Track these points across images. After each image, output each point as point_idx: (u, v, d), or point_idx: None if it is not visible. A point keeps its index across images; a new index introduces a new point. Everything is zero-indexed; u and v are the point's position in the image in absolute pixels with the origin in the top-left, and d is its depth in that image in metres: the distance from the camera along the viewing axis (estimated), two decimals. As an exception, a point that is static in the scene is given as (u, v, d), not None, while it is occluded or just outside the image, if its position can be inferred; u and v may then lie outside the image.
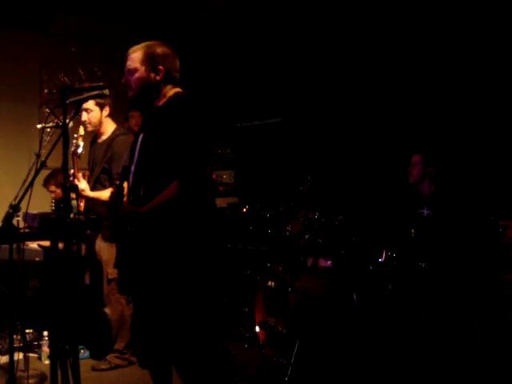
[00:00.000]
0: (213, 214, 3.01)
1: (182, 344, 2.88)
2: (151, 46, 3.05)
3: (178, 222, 2.83)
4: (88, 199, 4.60)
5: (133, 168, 3.01)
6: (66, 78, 7.08)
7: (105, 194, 4.53)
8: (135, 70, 3.00)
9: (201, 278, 2.87)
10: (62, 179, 2.79)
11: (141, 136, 3.03)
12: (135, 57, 3.02)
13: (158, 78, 3.01)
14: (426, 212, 4.70)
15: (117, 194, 2.83)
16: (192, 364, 2.89)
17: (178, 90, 3.08)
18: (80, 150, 4.40)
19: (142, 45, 3.06)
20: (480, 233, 4.33)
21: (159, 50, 3.04)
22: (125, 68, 3.06)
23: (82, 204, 4.67)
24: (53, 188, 5.61)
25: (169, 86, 3.06)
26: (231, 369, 3.19)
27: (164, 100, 3.03)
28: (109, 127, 4.81)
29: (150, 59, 3.00)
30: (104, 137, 4.79)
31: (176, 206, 2.80)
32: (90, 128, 4.75)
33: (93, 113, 4.69)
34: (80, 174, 4.48)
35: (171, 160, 2.82)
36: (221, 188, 6.67)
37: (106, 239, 4.62)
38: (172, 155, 2.82)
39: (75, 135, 4.43)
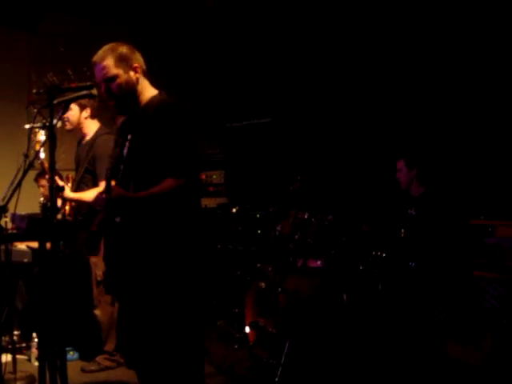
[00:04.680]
0: (200, 214, 3.04)
1: (163, 344, 2.86)
2: (115, 47, 3.01)
3: (167, 220, 2.83)
4: (70, 201, 4.58)
5: (121, 167, 3.00)
6: (54, 78, 7.05)
7: (86, 195, 4.51)
8: (115, 77, 2.95)
9: (188, 277, 2.87)
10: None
11: (129, 136, 3.01)
12: (108, 64, 2.96)
13: (137, 75, 3.00)
14: (414, 213, 4.71)
15: (107, 183, 2.85)
16: (167, 362, 2.89)
17: (156, 90, 3.08)
18: (42, 156, 4.29)
19: (106, 50, 3.00)
20: (461, 234, 4.35)
21: (125, 49, 3.01)
22: (99, 80, 3.00)
23: (66, 207, 4.64)
24: (43, 182, 5.58)
25: (146, 82, 3.06)
26: (202, 369, 3.15)
27: (146, 98, 3.03)
28: (92, 128, 4.78)
29: (123, 60, 2.97)
30: (87, 137, 4.78)
31: (166, 203, 2.81)
32: (68, 126, 4.71)
33: (72, 111, 4.65)
34: (56, 177, 4.44)
35: (163, 161, 2.83)
36: (211, 188, 6.66)
37: (90, 251, 4.59)
38: (164, 156, 2.82)
39: (32, 142, 4.25)
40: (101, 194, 2.92)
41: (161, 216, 2.83)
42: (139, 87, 3.02)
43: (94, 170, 4.61)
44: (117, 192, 2.83)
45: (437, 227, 4.42)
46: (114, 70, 2.95)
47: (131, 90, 2.99)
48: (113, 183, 2.95)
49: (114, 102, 3.02)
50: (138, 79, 3.00)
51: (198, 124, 3.08)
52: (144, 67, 3.06)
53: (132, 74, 2.98)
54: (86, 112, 4.72)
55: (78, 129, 4.78)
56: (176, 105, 2.97)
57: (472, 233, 4.31)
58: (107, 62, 2.96)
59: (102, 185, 4.41)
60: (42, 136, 4.25)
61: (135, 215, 2.86)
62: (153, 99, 3.02)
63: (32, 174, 5.63)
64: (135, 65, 2.99)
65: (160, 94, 3.06)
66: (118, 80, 2.96)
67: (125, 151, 3.01)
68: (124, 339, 3.11)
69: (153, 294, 2.84)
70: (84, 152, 4.72)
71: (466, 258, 4.23)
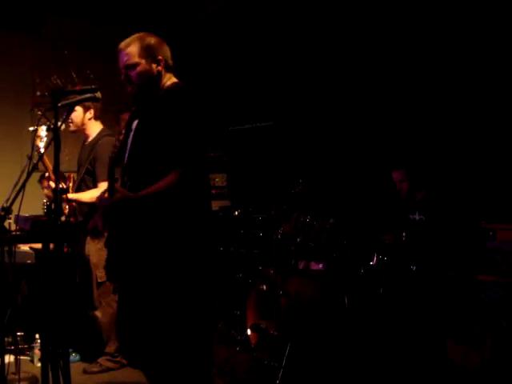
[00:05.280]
0: (207, 209, 3.02)
1: (163, 341, 2.86)
2: (144, 37, 3.02)
3: (173, 213, 2.83)
4: (69, 201, 4.60)
5: (127, 154, 3.01)
6: (58, 81, 7.08)
7: (84, 196, 4.54)
8: (136, 64, 2.97)
9: (191, 273, 2.86)
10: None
11: (135, 123, 3.03)
12: (132, 51, 2.98)
13: (159, 68, 3.01)
14: (417, 217, 4.72)
15: (110, 182, 2.85)
16: (169, 364, 2.88)
17: (174, 80, 3.09)
18: (42, 151, 4.30)
19: (134, 38, 3.02)
20: (466, 236, 4.36)
21: (153, 40, 3.03)
22: (120, 65, 3.02)
23: (66, 207, 4.66)
24: (46, 183, 5.59)
25: (168, 75, 3.07)
26: (210, 372, 3.14)
27: (162, 90, 3.03)
28: (95, 129, 4.80)
29: (148, 51, 2.98)
30: (90, 139, 4.80)
31: (172, 197, 2.80)
32: (72, 128, 4.74)
33: (76, 113, 4.67)
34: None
35: (168, 151, 2.82)
36: (213, 191, 6.67)
37: (94, 234, 4.59)
38: (169, 146, 2.82)
39: (35, 137, 4.28)
40: (103, 193, 2.92)
41: (165, 212, 2.82)
42: (160, 80, 3.02)
43: (94, 171, 4.63)
44: (120, 193, 2.83)
45: (443, 230, 4.42)
46: (136, 59, 2.97)
47: (149, 80, 2.99)
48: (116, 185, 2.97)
49: (130, 88, 3.02)
50: (159, 72, 3.01)
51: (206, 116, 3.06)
52: (169, 61, 3.06)
53: (154, 66, 2.99)
54: (90, 113, 4.75)
55: (81, 130, 4.79)
56: (182, 91, 2.97)
57: (477, 236, 4.32)
58: (131, 49, 2.98)
59: (101, 186, 4.46)
60: (42, 132, 4.28)
61: (139, 214, 2.85)
62: (167, 90, 3.03)
63: (36, 175, 5.65)
64: (159, 57, 3.00)
65: (174, 83, 3.06)
66: (138, 68, 2.97)
67: (130, 138, 3.02)
68: (124, 336, 3.08)
69: (154, 287, 2.83)
70: (86, 153, 4.74)
71: (471, 261, 4.25)
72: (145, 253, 2.84)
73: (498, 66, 4.71)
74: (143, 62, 2.97)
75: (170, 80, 3.07)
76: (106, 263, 3.06)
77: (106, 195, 2.88)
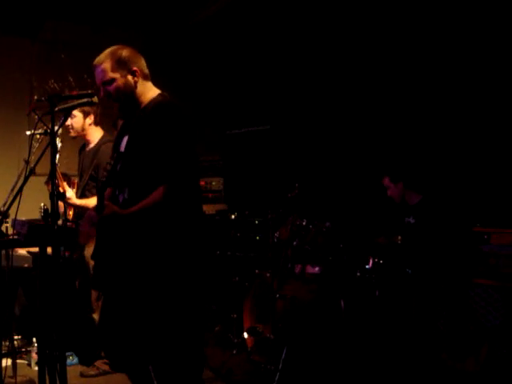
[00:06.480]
0: (199, 220, 3.01)
1: (152, 346, 2.87)
2: (116, 51, 3.02)
3: (162, 227, 2.83)
4: (75, 207, 4.62)
5: (118, 168, 3.02)
6: (55, 85, 7.09)
7: (92, 202, 4.56)
8: (112, 80, 2.98)
9: (181, 282, 2.86)
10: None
11: (126, 138, 3.03)
12: (106, 67, 2.98)
13: (136, 79, 3.01)
14: (412, 221, 4.73)
15: (99, 198, 2.85)
16: (160, 370, 2.89)
17: (156, 90, 3.09)
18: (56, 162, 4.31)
19: (106, 53, 3.03)
20: (463, 240, 4.38)
21: (125, 52, 3.02)
22: (98, 82, 3.03)
23: (70, 212, 4.68)
24: None
25: (147, 84, 3.07)
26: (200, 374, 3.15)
27: (147, 100, 3.03)
28: (96, 135, 4.82)
29: (122, 64, 2.98)
30: (91, 145, 4.81)
31: (161, 211, 2.81)
32: (72, 133, 4.76)
33: (76, 118, 4.70)
34: (64, 183, 4.50)
35: (158, 165, 2.83)
36: (209, 195, 6.69)
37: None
38: (159, 160, 2.83)
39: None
40: (92, 210, 2.92)
41: (156, 226, 2.82)
42: (138, 90, 3.02)
43: (97, 177, 4.65)
44: (109, 209, 2.83)
45: (439, 234, 4.43)
46: (111, 74, 2.97)
47: (129, 93, 3.00)
48: (107, 192, 2.97)
49: (115, 104, 3.04)
50: (136, 82, 3.00)
51: (198, 130, 3.07)
52: (145, 70, 3.06)
53: (130, 77, 2.99)
54: (90, 119, 4.76)
55: (81, 136, 4.82)
56: (171, 106, 2.95)
57: (471, 240, 4.34)
58: (105, 65, 2.98)
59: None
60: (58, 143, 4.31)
61: (129, 230, 2.85)
62: (152, 101, 3.03)
63: (34, 179, 5.64)
64: (134, 68, 2.99)
65: (160, 95, 3.06)
66: (115, 83, 2.97)
67: (121, 153, 3.02)
68: (107, 339, 3.08)
69: (142, 294, 2.84)
70: (89, 159, 4.75)
71: (466, 265, 4.27)
72: (133, 266, 2.84)
73: (489, 71, 4.73)
74: (118, 75, 2.98)
75: (151, 90, 3.07)
76: (92, 274, 3.05)
77: (94, 211, 2.88)
